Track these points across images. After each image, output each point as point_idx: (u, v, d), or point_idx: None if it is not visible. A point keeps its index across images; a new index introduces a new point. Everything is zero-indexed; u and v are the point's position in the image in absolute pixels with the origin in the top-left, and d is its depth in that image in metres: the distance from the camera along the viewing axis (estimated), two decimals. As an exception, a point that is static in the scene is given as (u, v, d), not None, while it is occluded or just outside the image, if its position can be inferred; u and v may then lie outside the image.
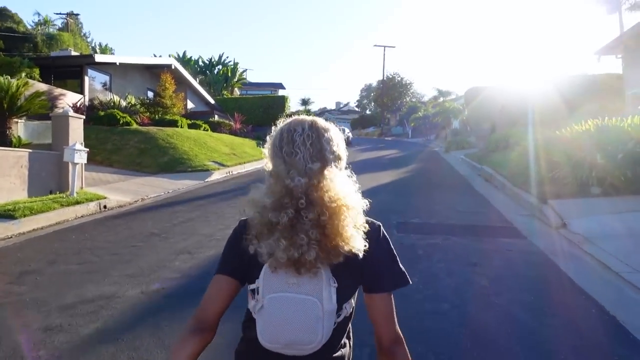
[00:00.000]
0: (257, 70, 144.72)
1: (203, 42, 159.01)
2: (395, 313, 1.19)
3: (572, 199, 7.76)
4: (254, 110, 29.08)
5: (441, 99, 33.51)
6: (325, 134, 1.22)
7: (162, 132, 17.27)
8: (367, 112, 67.34)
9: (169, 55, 31.98)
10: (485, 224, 7.14)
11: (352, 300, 1.23)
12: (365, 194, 1.24)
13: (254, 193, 1.17)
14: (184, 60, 34.17)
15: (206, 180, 13.80)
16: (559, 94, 17.75)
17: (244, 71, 32.64)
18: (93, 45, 36.58)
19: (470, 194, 10.19)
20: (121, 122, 17.00)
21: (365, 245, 1.12)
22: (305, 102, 44.27)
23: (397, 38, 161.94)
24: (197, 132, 19.38)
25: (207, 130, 21.69)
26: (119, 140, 15.96)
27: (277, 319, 1.09)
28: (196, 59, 34.33)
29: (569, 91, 17.65)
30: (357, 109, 72.95)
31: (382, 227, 1.26)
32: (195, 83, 26.22)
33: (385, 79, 51.93)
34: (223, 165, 16.17)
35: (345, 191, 1.13)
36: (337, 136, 1.25)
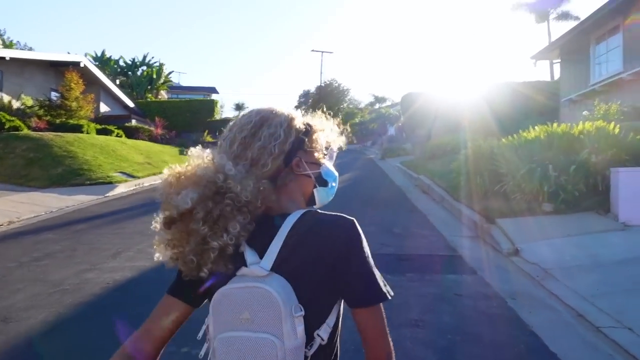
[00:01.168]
0: (190, 75, 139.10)
1: (133, 44, 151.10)
2: (381, 328, 0.97)
3: (522, 218, 6.71)
4: (180, 114, 26.86)
5: (377, 105, 32.84)
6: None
7: (61, 138, 14.87)
8: (305, 118, 66.30)
9: (85, 55, 28.90)
10: (426, 252, 5.87)
11: (329, 322, 0.97)
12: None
13: None
14: (103, 60, 31.08)
15: (107, 194, 11.73)
16: (494, 101, 17.39)
17: (170, 73, 30.06)
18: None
19: (407, 209, 8.99)
20: (7, 126, 14.42)
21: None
22: (239, 107, 42.13)
23: (334, 44, 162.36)
24: (106, 139, 17.05)
25: (121, 136, 19.36)
26: (1, 148, 13.42)
27: None
28: (117, 59, 31.34)
29: (503, 98, 17.33)
30: (295, 115, 71.69)
31: (355, 224, 1.00)
32: (110, 84, 23.57)
33: (322, 84, 51.07)
34: (132, 176, 14.08)
35: None
36: None
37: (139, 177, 14.12)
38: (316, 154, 1.09)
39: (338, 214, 0.99)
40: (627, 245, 5.47)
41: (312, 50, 47.74)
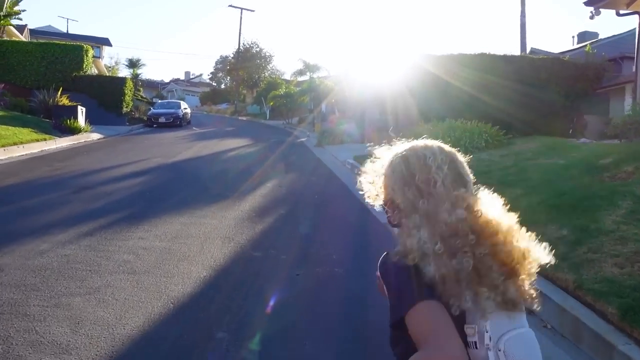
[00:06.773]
0: (84, 25, 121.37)
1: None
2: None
3: None
4: (30, 63, 18.49)
5: (308, 74, 26.63)
6: (457, 156, 1.17)
7: None
8: (222, 86, 58.38)
9: None
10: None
11: None
12: None
13: (406, 240, 1.08)
14: None
15: None
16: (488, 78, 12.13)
17: (18, 1, 20.81)
18: None
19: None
20: None
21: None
22: (133, 63, 33.26)
23: (259, 4, 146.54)
24: None
25: None
26: None
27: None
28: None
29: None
30: (212, 82, 63.20)
31: None
32: None
33: (241, 47, 43.50)
34: None
35: (499, 214, 1.09)
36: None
37: None
38: None
39: None
40: None
41: (230, 6, 39.80)
